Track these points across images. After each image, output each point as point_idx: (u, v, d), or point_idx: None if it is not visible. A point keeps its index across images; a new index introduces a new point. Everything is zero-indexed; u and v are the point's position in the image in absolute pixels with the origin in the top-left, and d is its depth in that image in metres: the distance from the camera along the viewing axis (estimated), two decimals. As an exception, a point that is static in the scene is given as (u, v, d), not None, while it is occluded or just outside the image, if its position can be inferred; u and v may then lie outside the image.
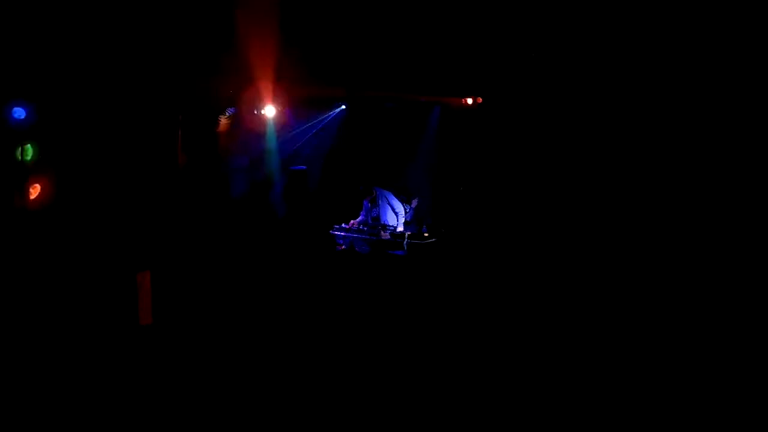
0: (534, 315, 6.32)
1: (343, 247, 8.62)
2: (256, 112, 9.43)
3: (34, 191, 6.60)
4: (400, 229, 8.49)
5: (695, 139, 6.45)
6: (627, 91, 6.94)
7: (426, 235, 8.17)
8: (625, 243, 6.96)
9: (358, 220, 8.80)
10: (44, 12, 5.81)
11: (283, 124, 9.89)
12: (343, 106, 9.94)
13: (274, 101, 9.23)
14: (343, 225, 8.77)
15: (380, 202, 8.64)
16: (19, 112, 6.44)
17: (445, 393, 4.75)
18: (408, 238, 8.08)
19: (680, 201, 6.58)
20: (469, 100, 8.83)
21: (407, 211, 8.84)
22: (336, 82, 8.60)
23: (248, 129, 9.50)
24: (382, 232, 8.24)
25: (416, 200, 9.12)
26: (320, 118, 10.10)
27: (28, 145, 6.50)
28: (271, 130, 9.75)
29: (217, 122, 9.15)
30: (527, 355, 5.40)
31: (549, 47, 7.04)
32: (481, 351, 5.58)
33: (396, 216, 8.62)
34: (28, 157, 6.51)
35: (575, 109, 7.57)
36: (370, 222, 8.65)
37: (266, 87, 8.52)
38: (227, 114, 9.21)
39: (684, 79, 6.37)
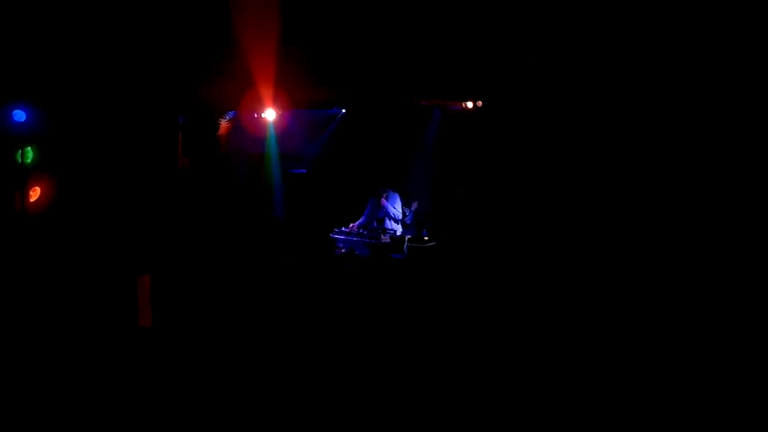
0: (534, 318, 6.31)
1: (343, 250, 8.61)
2: (256, 116, 9.45)
3: (34, 194, 6.63)
4: (399, 233, 8.48)
5: (695, 141, 6.45)
6: (626, 94, 6.95)
7: (426, 238, 8.16)
8: (625, 246, 6.94)
9: (357, 222, 8.79)
10: (45, 13, 5.82)
11: (283, 128, 9.91)
12: (343, 110, 9.95)
13: (274, 105, 9.24)
14: (343, 228, 8.76)
15: (388, 203, 8.64)
16: (19, 115, 6.47)
17: (444, 396, 4.73)
18: (408, 241, 8.07)
19: (679, 204, 6.58)
20: (469, 104, 8.83)
21: (407, 214, 8.84)
22: (336, 86, 8.61)
23: (248, 132, 9.52)
24: (382, 236, 8.23)
25: (416, 204, 9.12)
26: (320, 122, 10.10)
27: (29, 148, 6.52)
28: (271, 133, 9.78)
29: (217, 126, 9.16)
30: (527, 359, 5.39)
31: (548, 50, 7.05)
32: (482, 354, 5.56)
33: (400, 219, 8.63)
34: (29, 160, 6.54)
35: (575, 112, 7.57)
36: (374, 224, 8.65)
37: (266, 90, 8.53)
38: (227, 118, 9.22)
39: (684, 80, 6.38)
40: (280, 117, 9.65)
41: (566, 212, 7.65)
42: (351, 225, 8.77)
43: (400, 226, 8.68)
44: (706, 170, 6.42)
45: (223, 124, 9.27)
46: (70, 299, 6.29)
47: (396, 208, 8.65)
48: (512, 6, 6.45)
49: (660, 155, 6.78)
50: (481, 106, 8.67)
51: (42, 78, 6.40)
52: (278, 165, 9.94)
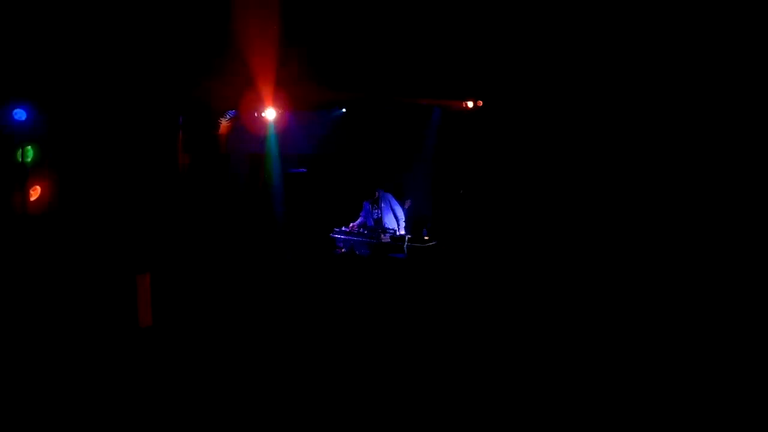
0: (534, 317, 6.31)
1: (343, 250, 8.61)
2: (256, 115, 9.45)
3: (35, 193, 6.63)
4: (401, 233, 8.49)
5: (694, 140, 6.46)
6: (626, 93, 6.95)
7: (426, 238, 8.16)
8: (625, 245, 6.95)
9: (357, 222, 8.78)
10: (45, 13, 5.83)
11: (283, 128, 9.91)
12: (344, 110, 9.94)
13: (275, 104, 9.24)
14: (343, 228, 8.76)
15: (383, 204, 8.64)
16: (20, 114, 6.47)
17: (445, 396, 4.73)
18: (408, 241, 8.07)
19: (679, 202, 6.58)
20: (470, 103, 8.82)
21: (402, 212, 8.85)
22: (337, 85, 8.60)
23: (248, 132, 9.51)
24: (382, 236, 8.23)
25: (409, 201, 9.12)
26: (320, 121, 10.10)
27: (29, 147, 6.53)
28: (271, 133, 9.77)
29: (217, 125, 9.15)
30: (527, 358, 5.39)
31: (548, 50, 7.05)
32: (482, 354, 5.56)
33: (397, 220, 8.63)
34: (29, 159, 6.54)
35: (574, 111, 7.57)
36: (371, 224, 8.64)
37: (266, 90, 8.53)
38: (227, 117, 9.22)
39: (683, 80, 6.38)
40: (280, 117, 9.66)
41: (565, 212, 7.65)
42: (351, 225, 8.77)
43: (401, 223, 8.68)
44: (704, 169, 6.43)
45: (224, 123, 9.28)
46: (70, 298, 6.29)
47: (394, 208, 8.66)
48: (512, 6, 6.45)
49: (658, 155, 6.79)
50: (481, 106, 8.68)
51: (42, 77, 6.40)
52: (278, 165, 9.94)
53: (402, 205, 8.82)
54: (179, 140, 8.24)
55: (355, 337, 6.13)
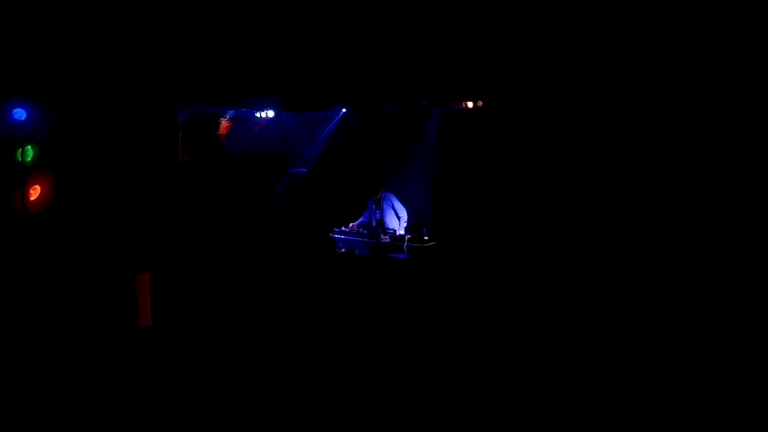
0: (534, 317, 6.31)
1: (343, 250, 8.62)
2: (256, 115, 9.46)
3: (35, 193, 6.63)
4: (401, 233, 8.50)
5: (695, 140, 6.46)
6: (626, 94, 6.95)
7: (426, 238, 8.17)
8: (625, 247, 6.95)
9: (357, 222, 8.80)
10: (45, 13, 5.82)
11: (283, 127, 9.93)
12: (344, 110, 9.94)
13: (275, 104, 9.25)
14: (343, 228, 8.78)
15: (384, 204, 8.66)
16: (19, 114, 6.46)
17: (445, 395, 4.73)
18: (408, 241, 8.08)
19: (679, 202, 6.58)
20: (470, 104, 8.81)
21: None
22: (337, 85, 8.60)
23: (248, 131, 9.54)
24: (382, 236, 8.23)
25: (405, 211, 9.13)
26: (321, 122, 10.11)
27: (29, 147, 6.53)
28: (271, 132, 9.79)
29: (217, 125, 9.16)
30: (527, 358, 5.39)
31: (549, 50, 7.05)
32: (482, 354, 5.56)
33: (398, 220, 8.65)
34: (29, 159, 6.54)
35: (575, 112, 7.57)
36: (374, 224, 8.66)
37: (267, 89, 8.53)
38: (227, 116, 9.22)
39: (684, 80, 6.38)
40: (280, 116, 9.68)
41: (566, 212, 7.65)
42: (351, 225, 8.78)
43: (402, 223, 8.68)
44: (705, 170, 6.43)
45: (224, 123, 9.28)
46: (70, 297, 6.29)
47: (396, 208, 8.68)
48: (512, 6, 6.45)
49: (659, 155, 6.79)
50: (482, 106, 8.67)
51: (42, 77, 6.40)
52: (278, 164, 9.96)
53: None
54: (179, 140, 8.25)
55: (355, 337, 6.13)
